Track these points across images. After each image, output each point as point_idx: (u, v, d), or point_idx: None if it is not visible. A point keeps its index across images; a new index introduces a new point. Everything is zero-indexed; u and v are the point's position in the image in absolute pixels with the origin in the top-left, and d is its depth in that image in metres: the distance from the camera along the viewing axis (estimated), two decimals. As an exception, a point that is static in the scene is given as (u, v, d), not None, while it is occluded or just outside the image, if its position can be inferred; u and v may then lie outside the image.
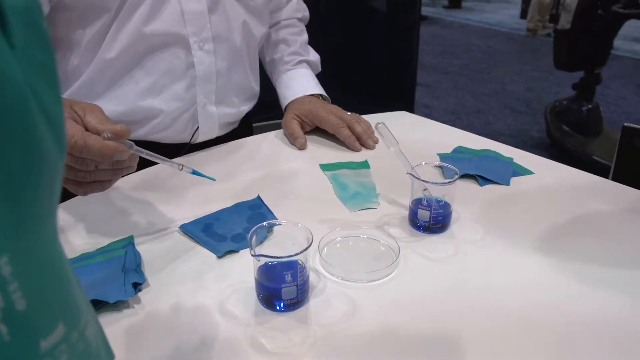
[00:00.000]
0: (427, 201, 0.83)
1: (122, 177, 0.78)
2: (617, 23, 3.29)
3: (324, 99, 1.25)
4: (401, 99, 3.40)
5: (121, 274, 0.72)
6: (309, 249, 0.66)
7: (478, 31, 6.89)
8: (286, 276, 0.65)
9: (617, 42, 3.45)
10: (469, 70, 5.18)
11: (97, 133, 0.71)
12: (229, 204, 0.91)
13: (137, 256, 0.76)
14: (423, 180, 0.82)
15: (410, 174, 0.83)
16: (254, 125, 1.37)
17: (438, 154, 1.10)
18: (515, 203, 0.94)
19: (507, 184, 1.00)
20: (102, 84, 1.00)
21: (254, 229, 0.68)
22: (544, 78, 4.93)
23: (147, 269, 0.76)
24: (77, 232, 0.83)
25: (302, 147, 1.14)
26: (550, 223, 0.88)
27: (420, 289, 0.73)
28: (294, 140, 1.15)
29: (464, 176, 1.01)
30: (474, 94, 4.54)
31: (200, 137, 1.12)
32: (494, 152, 1.11)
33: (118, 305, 0.68)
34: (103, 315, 0.67)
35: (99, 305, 0.67)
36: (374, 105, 1.39)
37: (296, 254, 0.64)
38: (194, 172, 0.81)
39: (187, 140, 1.10)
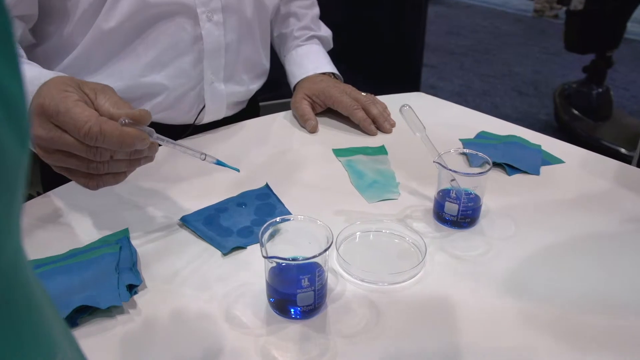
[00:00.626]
0: (456, 193, 0.75)
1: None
2: (632, 4, 3.19)
3: (337, 78, 1.16)
4: (407, 80, 3.30)
5: (114, 274, 0.64)
6: (328, 250, 0.58)
7: (484, 11, 6.73)
8: (303, 280, 0.57)
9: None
10: (475, 51, 5.05)
11: (112, 118, 0.61)
12: (234, 192, 0.82)
13: (132, 253, 0.68)
14: (452, 171, 0.74)
15: (438, 162, 0.75)
16: (260, 104, 1.28)
17: (460, 140, 1.02)
18: (547, 195, 0.86)
19: (537, 173, 0.92)
20: (99, 57, 0.90)
21: (265, 225, 0.60)
22: (551, 60, 4.82)
23: (143, 268, 0.67)
24: (64, 225, 0.75)
25: (313, 130, 1.05)
26: (587, 216, 0.80)
27: (449, 292, 0.65)
28: (304, 123, 1.06)
29: (484, 163, 0.92)
30: (480, 75, 4.43)
31: (207, 118, 1.04)
32: (521, 138, 1.03)
33: (111, 311, 0.60)
34: (94, 323, 0.59)
35: (90, 311, 0.59)
36: (379, 87, 1.30)
37: (315, 256, 0.56)
38: (219, 163, 0.71)
39: (192, 121, 1.02)
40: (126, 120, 0.60)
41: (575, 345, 0.58)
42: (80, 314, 0.59)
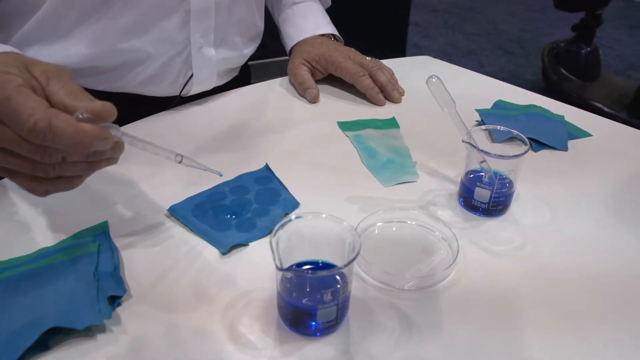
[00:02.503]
0: (489, 178, 0.65)
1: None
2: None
3: (337, 40, 1.04)
4: (392, 38, 3.17)
5: (93, 282, 0.53)
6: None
7: (466, -33, 6.58)
8: (325, 295, 0.47)
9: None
10: (460, 8, 4.91)
11: (67, 111, 0.48)
12: (229, 176, 0.71)
13: (113, 253, 0.57)
14: (485, 152, 0.64)
15: (468, 142, 0.64)
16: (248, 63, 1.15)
17: (477, 110, 0.91)
18: (579, 173, 0.77)
19: (565, 149, 0.82)
20: (70, 19, 0.76)
21: (276, 227, 0.49)
22: (537, 18, 4.70)
23: (126, 271, 0.57)
24: (27, 218, 0.64)
25: (314, 100, 0.93)
26: (627, 194, 0.71)
27: (489, 295, 0.56)
28: (303, 92, 0.94)
29: (513, 139, 0.83)
30: (465, 33, 4.31)
31: (195, 88, 0.91)
32: (542, 108, 0.93)
33: (90, 330, 0.50)
34: (69, 346, 0.48)
35: (65, 330, 0.49)
36: (364, 46, 1.18)
37: (341, 268, 0.46)
38: (197, 166, 0.60)
39: (177, 93, 0.89)
40: (84, 115, 0.47)
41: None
42: (53, 335, 0.48)
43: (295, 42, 1.02)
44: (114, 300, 0.52)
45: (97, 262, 0.56)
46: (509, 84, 1.01)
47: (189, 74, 0.88)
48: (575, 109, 0.94)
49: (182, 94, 0.89)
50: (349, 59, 0.96)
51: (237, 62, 0.98)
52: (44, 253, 0.57)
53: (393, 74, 0.98)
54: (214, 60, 0.90)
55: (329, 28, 1.04)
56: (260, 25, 1.00)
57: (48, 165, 0.50)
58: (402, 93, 0.96)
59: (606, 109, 2.94)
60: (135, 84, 0.84)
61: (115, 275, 0.55)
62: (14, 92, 0.47)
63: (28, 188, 0.52)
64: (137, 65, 0.83)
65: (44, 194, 0.52)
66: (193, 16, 0.83)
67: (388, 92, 0.94)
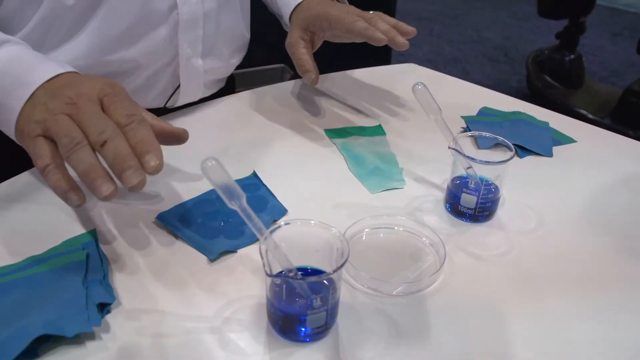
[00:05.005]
0: (475, 184, 0.66)
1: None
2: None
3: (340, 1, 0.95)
4: (377, 47, 3.18)
5: (82, 289, 0.53)
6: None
7: (450, -25, 6.64)
8: (314, 300, 0.47)
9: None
10: (444, 16, 4.94)
11: None
12: (217, 183, 0.71)
13: (102, 261, 0.57)
14: (471, 158, 0.64)
15: (454, 149, 0.65)
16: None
17: (462, 117, 0.92)
18: (563, 179, 0.78)
19: (550, 155, 0.83)
20: (57, 33, 0.76)
21: (265, 233, 0.49)
22: (520, 26, 4.75)
23: (116, 279, 0.57)
24: (19, 226, 0.63)
25: (312, 84, 0.86)
26: (610, 200, 0.73)
27: (477, 300, 0.56)
28: (302, 74, 0.87)
29: (498, 145, 0.84)
30: (450, 41, 4.34)
31: (182, 99, 0.91)
32: (527, 115, 0.94)
33: (80, 337, 0.49)
34: (58, 353, 0.48)
35: (53, 338, 0.49)
36: (350, 55, 1.18)
37: (330, 273, 0.46)
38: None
39: (163, 104, 0.89)
40: None
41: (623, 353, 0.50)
42: (42, 343, 0.48)
43: (292, 7, 0.93)
44: (103, 308, 0.52)
45: (86, 270, 0.56)
46: (495, 90, 1.02)
47: (177, 85, 0.88)
48: (560, 115, 0.96)
49: (168, 105, 0.89)
50: (347, 13, 0.84)
51: (223, 73, 0.98)
52: (32, 261, 0.57)
53: (398, 22, 0.87)
54: (201, 70, 0.90)
55: None
56: (247, 34, 1.00)
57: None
58: (410, 33, 0.84)
59: (590, 116, 2.97)
60: None
61: (104, 283, 0.55)
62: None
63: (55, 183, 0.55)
64: (126, 76, 0.83)
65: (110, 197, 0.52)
66: (182, 26, 0.82)
67: (391, 38, 0.80)
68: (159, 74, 0.86)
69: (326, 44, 0.94)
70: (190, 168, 0.74)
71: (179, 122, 0.88)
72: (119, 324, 0.51)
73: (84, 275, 0.55)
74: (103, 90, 0.57)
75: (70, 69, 0.62)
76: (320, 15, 0.86)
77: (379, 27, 0.81)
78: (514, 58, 4.03)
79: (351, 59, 0.98)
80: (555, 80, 3.35)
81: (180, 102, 0.91)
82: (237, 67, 1.02)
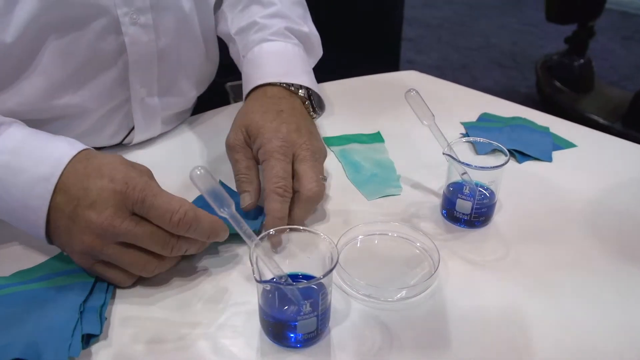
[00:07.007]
0: (470, 190, 0.66)
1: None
2: (614, -28, 3.11)
3: (303, 101, 0.77)
4: (386, 54, 3.19)
5: (75, 315, 0.52)
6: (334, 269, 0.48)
7: (458, -18, 6.64)
8: (304, 306, 0.48)
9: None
10: (452, 23, 4.95)
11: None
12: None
13: (108, 287, 0.57)
14: (465, 164, 0.65)
15: (449, 155, 0.66)
16: (229, 84, 1.13)
17: (462, 123, 0.93)
18: (562, 184, 0.78)
19: (549, 160, 0.83)
20: None
21: (255, 240, 0.50)
22: (529, 31, 4.74)
23: (111, 287, 0.57)
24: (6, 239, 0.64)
25: (246, 209, 0.65)
26: (610, 205, 0.72)
27: (470, 306, 0.56)
28: (239, 192, 0.68)
29: (496, 151, 0.84)
30: (458, 48, 4.34)
31: (137, 138, 0.84)
32: (527, 120, 0.94)
33: (74, 346, 0.50)
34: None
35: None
36: (357, 62, 1.18)
37: (320, 278, 0.47)
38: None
39: (119, 142, 0.84)
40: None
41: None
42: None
43: (249, 88, 0.79)
44: (89, 338, 0.51)
45: (89, 293, 0.55)
46: (503, 98, 1.02)
47: (131, 126, 0.83)
48: (563, 120, 0.95)
49: (125, 142, 0.85)
50: (277, 138, 0.67)
51: (183, 106, 0.90)
52: (42, 275, 0.57)
53: (322, 172, 0.69)
54: (158, 109, 0.83)
55: (295, 77, 0.78)
56: (215, 60, 0.93)
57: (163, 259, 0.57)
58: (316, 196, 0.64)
59: (601, 121, 2.95)
60: (72, 136, 0.63)
61: (101, 312, 0.53)
62: (160, 190, 0.55)
63: (119, 281, 0.57)
64: (74, 119, 0.77)
65: (130, 282, 0.57)
66: (132, 67, 0.76)
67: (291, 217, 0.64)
68: (111, 115, 0.80)
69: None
70: (180, 176, 0.75)
71: (171, 131, 0.89)
72: (114, 330, 0.52)
73: (85, 299, 0.54)
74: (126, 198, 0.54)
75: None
76: (255, 129, 0.69)
77: (295, 207, 0.64)
78: (522, 64, 4.02)
79: (358, 65, 0.98)
80: (565, 86, 3.34)
81: (137, 140, 0.85)
82: (233, 79, 0.99)
